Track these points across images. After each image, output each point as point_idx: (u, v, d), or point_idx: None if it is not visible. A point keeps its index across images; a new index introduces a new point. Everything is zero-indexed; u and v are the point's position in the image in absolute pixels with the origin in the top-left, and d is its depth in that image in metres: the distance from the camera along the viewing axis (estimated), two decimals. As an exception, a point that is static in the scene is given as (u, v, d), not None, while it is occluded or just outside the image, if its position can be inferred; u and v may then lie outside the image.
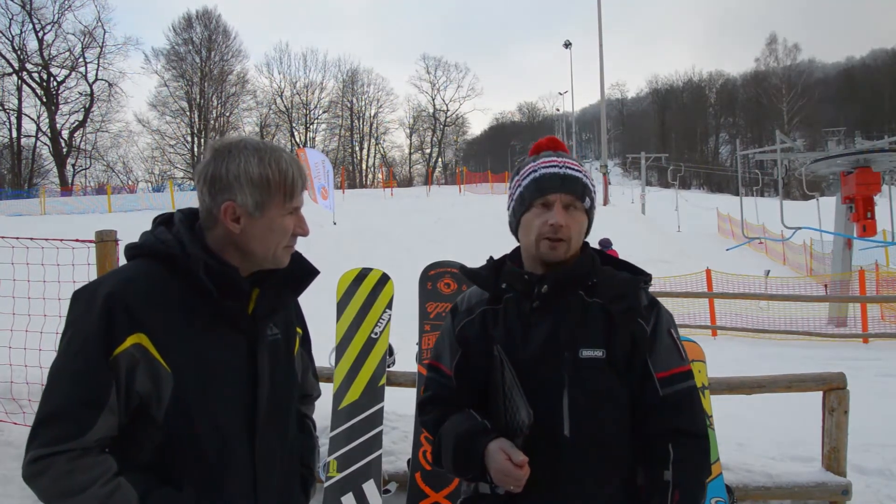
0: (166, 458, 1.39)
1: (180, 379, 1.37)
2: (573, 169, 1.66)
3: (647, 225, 28.14)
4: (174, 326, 1.39)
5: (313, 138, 72.73)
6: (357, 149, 77.60)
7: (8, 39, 51.71)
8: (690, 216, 35.67)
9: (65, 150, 55.69)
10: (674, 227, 31.28)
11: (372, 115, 77.23)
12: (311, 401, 1.86)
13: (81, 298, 1.40)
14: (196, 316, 1.42)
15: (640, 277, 1.69)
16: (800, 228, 16.83)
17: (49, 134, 55.01)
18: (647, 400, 1.59)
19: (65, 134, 56.05)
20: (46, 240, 4.30)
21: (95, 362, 1.32)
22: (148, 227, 1.53)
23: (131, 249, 1.49)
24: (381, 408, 3.56)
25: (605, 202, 33.38)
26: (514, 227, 1.73)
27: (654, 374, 1.59)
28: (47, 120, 54.81)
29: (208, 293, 1.41)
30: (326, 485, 3.38)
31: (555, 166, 1.66)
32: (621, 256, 1.99)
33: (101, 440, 1.34)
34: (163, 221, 1.53)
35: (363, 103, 76.65)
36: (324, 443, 3.46)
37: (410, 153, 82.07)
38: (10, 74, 52.82)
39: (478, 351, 1.70)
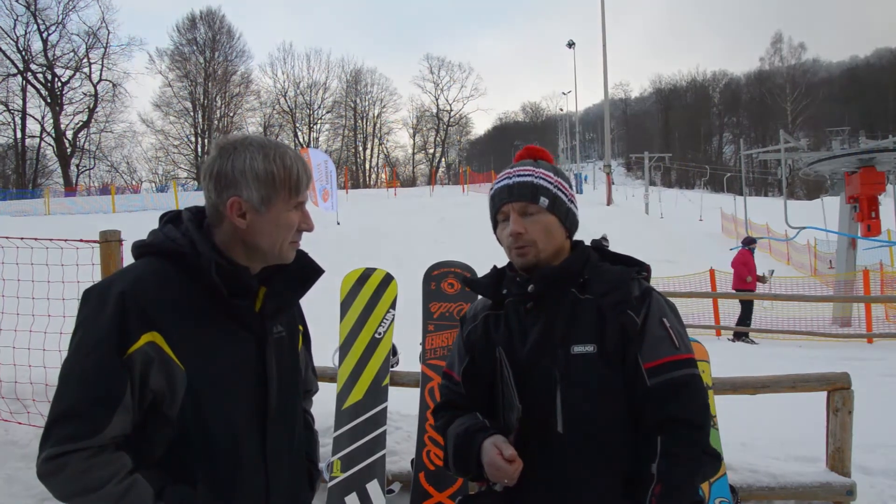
0: (179, 455, 1.40)
1: (193, 377, 1.39)
2: (522, 175, 1.69)
3: (650, 224, 28.09)
4: (186, 325, 1.40)
5: (317, 138, 72.90)
6: (360, 149, 77.71)
7: (13, 40, 52.04)
8: (693, 216, 35.59)
9: (69, 150, 55.86)
10: (681, 229, 30.25)
11: (375, 115, 77.39)
12: (311, 395, 1.90)
13: (93, 297, 1.40)
14: (205, 314, 1.43)
15: (632, 269, 1.68)
16: (804, 228, 16.81)
17: (53, 134, 55.24)
18: (639, 392, 1.57)
19: (69, 134, 56.29)
20: (51, 240, 4.32)
21: (110, 360, 1.33)
22: (152, 227, 1.53)
23: (140, 247, 1.49)
24: (385, 408, 3.57)
25: (609, 202, 33.30)
26: (501, 244, 1.77)
27: (642, 365, 1.57)
28: (51, 120, 55.08)
29: (218, 292, 1.42)
30: (330, 485, 3.38)
31: (506, 178, 1.72)
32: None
33: (116, 438, 1.35)
34: (170, 219, 1.53)
35: (367, 103, 76.80)
36: (327, 443, 3.46)
37: (414, 153, 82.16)
38: (14, 75, 53.06)
39: (482, 354, 1.74)
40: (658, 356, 1.58)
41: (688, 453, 1.54)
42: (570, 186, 1.76)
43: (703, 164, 58.14)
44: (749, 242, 13.16)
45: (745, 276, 12.57)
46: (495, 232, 1.76)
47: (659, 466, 1.51)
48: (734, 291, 12.78)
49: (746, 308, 12.42)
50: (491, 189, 1.76)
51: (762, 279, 12.66)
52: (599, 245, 1.79)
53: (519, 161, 1.78)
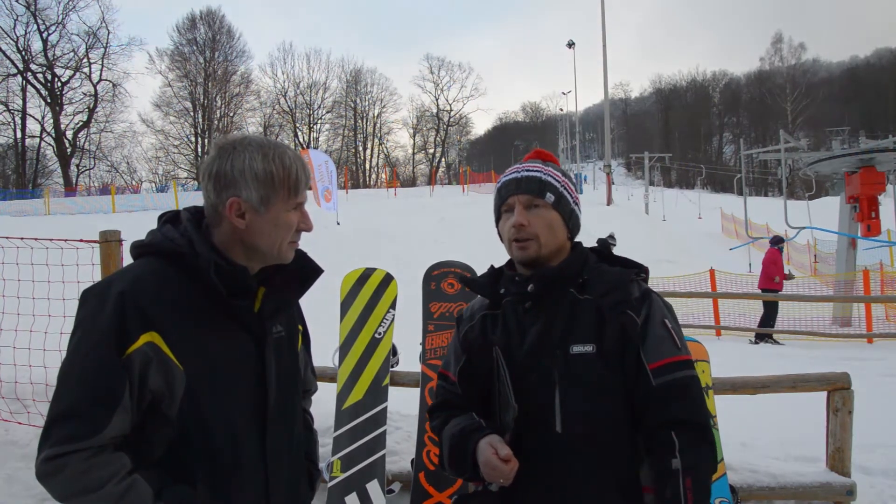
0: (178, 455, 1.40)
1: (192, 377, 1.39)
2: (531, 170, 1.71)
3: (651, 224, 28.09)
4: (184, 325, 1.40)
5: (317, 138, 72.83)
6: (360, 149, 77.64)
7: (13, 40, 51.99)
8: (693, 216, 35.59)
9: (69, 150, 55.80)
10: (681, 229, 30.02)
11: (375, 115, 77.31)
12: (310, 395, 1.90)
13: (92, 297, 1.40)
14: (204, 314, 1.43)
15: (631, 270, 1.70)
16: (804, 228, 16.81)
17: (53, 134, 55.20)
18: (642, 392, 1.58)
19: (69, 134, 56.23)
20: (51, 240, 4.32)
21: (109, 360, 1.33)
22: (152, 227, 1.53)
23: (138, 248, 1.49)
24: (385, 408, 3.57)
25: (609, 202, 33.29)
26: (501, 240, 1.78)
27: (647, 365, 1.58)
28: (51, 120, 55.03)
29: (217, 292, 1.42)
30: (330, 485, 3.38)
31: (515, 172, 1.74)
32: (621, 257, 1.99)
33: (115, 438, 1.35)
34: (169, 219, 1.53)
35: (367, 103, 76.70)
36: (327, 443, 3.46)
37: (414, 153, 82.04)
38: (14, 75, 53.02)
39: (479, 355, 1.74)
40: (662, 356, 1.59)
41: (702, 450, 1.56)
42: (576, 190, 1.78)
43: (703, 164, 58.08)
44: (777, 242, 13.05)
45: (774, 275, 12.49)
46: (497, 225, 1.77)
47: (683, 462, 1.51)
48: (760, 291, 12.70)
49: (772, 309, 12.27)
50: (498, 182, 1.78)
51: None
52: (606, 244, 1.79)
53: (528, 160, 1.80)
